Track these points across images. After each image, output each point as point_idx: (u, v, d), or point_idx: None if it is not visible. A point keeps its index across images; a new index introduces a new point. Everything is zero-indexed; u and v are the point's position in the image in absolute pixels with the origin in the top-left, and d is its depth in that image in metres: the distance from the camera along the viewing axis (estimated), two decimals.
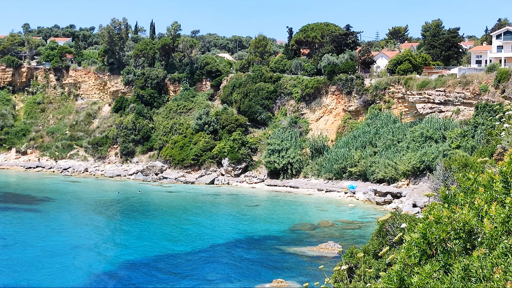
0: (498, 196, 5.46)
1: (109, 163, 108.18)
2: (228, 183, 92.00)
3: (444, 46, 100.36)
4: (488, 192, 5.55)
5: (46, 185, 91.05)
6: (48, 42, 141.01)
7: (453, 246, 5.28)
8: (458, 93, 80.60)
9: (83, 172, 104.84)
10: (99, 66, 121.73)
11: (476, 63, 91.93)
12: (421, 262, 5.36)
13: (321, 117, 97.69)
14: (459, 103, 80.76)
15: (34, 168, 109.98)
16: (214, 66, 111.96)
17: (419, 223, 5.57)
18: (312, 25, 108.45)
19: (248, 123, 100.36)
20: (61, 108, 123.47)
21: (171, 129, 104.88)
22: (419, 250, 5.41)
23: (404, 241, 5.85)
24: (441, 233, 5.30)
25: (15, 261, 48.09)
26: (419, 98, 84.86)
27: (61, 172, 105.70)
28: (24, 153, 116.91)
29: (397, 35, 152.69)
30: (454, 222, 5.29)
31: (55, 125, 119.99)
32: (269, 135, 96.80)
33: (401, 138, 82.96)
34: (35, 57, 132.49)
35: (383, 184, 78.35)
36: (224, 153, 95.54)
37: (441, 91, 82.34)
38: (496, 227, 5.06)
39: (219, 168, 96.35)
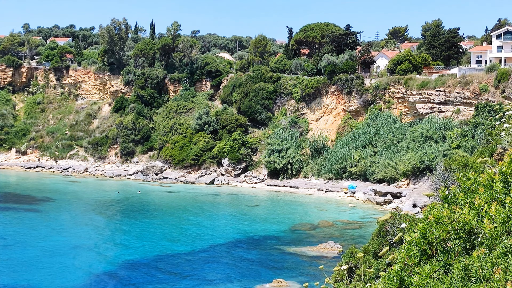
0: (498, 196, 5.46)
1: (109, 163, 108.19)
2: (228, 183, 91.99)
3: (444, 46, 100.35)
4: (488, 192, 5.55)
5: (46, 185, 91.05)
6: (48, 42, 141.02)
7: (453, 246, 5.28)
8: (458, 93, 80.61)
9: (83, 172, 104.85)
10: (99, 66, 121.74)
11: (476, 63, 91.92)
12: (421, 262, 5.36)
13: (321, 117, 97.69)
14: (459, 103, 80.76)
15: (34, 168, 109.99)
16: (214, 66, 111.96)
17: (419, 223, 5.57)
18: (312, 25, 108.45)
19: (248, 123, 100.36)
20: (61, 108, 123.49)
21: (171, 129, 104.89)
22: (419, 250, 5.42)
23: (404, 241, 5.85)
24: (441, 233, 5.30)
25: (15, 261, 48.09)
26: (419, 98, 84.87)
27: (61, 172, 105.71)
28: (24, 153, 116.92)
29: (397, 35, 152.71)
30: (454, 222, 5.29)
31: (55, 125, 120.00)
32: (269, 135, 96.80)
33: (401, 138, 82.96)
34: (35, 57, 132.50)
35: (383, 184, 78.35)
36: (224, 153, 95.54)
37: (441, 91, 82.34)
38: (496, 227, 5.06)
39: (219, 168, 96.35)
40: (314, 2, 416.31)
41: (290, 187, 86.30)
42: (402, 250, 5.58)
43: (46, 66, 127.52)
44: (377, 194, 75.23)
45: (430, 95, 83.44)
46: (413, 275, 5.19)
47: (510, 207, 5.12)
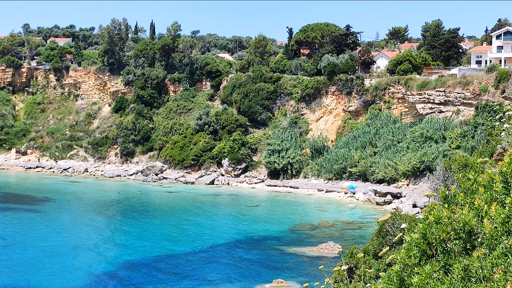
0: (498, 196, 5.45)
1: (109, 163, 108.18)
2: (228, 183, 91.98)
3: (444, 47, 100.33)
4: (488, 192, 5.55)
5: (46, 186, 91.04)
6: (48, 42, 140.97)
7: (453, 246, 5.28)
8: (458, 93, 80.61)
9: (83, 173, 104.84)
10: (99, 66, 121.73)
11: (476, 63, 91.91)
12: (421, 262, 5.36)
13: (321, 117, 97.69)
14: (459, 103, 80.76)
15: (34, 168, 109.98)
16: (214, 66, 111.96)
17: (419, 224, 5.57)
18: (312, 25, 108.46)
19: (248, 123, 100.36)
20: (61, 108, 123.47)
21: (171, 129, 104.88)
22: (419, 250, 5.41)
23: (404, 241, 5.85)
24: (441, 233, 5.30)
25: (15, 261, 48.10)
26: (419, 98, 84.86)
27: (61, 173, 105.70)
28: (24, 154, 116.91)
29: (397, 35, 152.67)
30: (454, 222, 5.28)
31: (55, 126, 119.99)
32: (269, 135, 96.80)
33: (401, 138, 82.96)
34: (35, 57, 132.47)
35: (383, 184, 78.34)
36: (224, 153, 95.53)
37: (441, 91, 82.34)
38: (496, 227, 5.05)
39: (219, 168, 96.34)
40: (314, 2, 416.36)
41: (290, 187, 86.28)
42: (402, 250, 5.58)
43: (46, 66, 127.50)
44: (377, 195, 75.22)
45: (430, 95, 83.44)
46: (413, 275, 5.19)
47: (510, 207, 5.12)
